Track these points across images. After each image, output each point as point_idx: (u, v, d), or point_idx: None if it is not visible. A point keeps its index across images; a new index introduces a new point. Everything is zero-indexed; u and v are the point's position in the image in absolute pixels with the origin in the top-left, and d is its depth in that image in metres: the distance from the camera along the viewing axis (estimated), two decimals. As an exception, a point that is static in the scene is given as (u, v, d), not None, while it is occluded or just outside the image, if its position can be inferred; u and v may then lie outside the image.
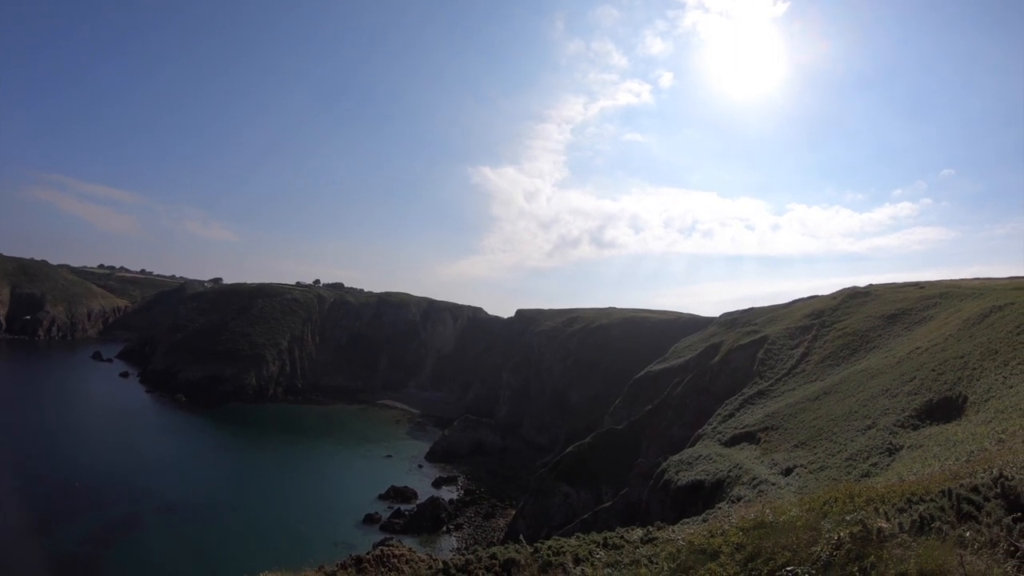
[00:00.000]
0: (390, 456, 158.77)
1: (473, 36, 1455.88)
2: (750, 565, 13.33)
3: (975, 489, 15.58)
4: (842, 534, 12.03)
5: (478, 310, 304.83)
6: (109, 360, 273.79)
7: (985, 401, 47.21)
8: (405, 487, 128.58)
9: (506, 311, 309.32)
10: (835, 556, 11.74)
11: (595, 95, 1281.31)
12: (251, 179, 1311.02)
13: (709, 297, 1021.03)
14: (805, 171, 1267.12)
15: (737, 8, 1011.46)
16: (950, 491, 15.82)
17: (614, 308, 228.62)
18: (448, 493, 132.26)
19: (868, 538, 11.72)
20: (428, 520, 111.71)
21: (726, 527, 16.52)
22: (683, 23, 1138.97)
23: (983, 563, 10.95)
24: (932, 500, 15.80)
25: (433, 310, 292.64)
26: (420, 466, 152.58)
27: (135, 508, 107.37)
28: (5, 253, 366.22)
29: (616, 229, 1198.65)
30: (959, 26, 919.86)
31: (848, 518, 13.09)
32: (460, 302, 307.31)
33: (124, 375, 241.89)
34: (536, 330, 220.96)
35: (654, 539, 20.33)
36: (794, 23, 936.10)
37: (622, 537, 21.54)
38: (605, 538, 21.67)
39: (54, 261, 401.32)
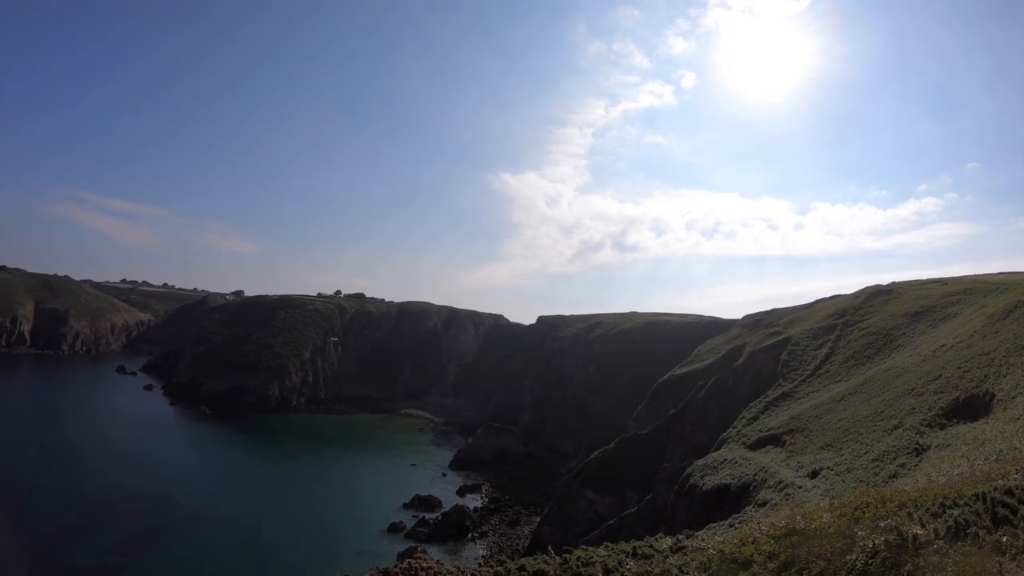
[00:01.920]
0: (414, 465, 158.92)
1: (493, 40, 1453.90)
2: (783, 574, 13.20)
3: (1009, 492, 15.36)
4: (877, 541, 11.88)
5: (499, 317, 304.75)
6: (133, 373, 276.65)
7: (1012, 398, 46.65)
8: (429, 496, 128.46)
9: (528, 318, 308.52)
10: (871, 565, 11.59)
11: (617, 97, 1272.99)
12: (269, 189, 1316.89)
13: (732, 299, 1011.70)
14: (828, 168, 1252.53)
15: (759, 4, 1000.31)
16: (983, 494, 15.59)
17: (636, 312, 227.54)
18: (472, 501, 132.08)
19: (904, 545, 11.57)
20: (453, 528, 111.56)
21: (757, 535, 16.37)
22: (705, 21, 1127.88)
23: (1022, 570, 10.79)
24: (966, 504, 15.58)
25: (454, 318, 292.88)
26: (444, 474, 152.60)
27: (160, 519, 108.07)
28: (28, 269, 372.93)
29: (638, 233, 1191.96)
30: (983, 17, 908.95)
31: (882, 524, 12.94)
32: (482, 309, 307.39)
33: (148, 388, 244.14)
34: (558, 336, 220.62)
35: (684, 548, 20.19)
36: (816, 17, 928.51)
37: (651, 546, 21.41)
38: (634, 547, 21.55)
39: (77, 277, 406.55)
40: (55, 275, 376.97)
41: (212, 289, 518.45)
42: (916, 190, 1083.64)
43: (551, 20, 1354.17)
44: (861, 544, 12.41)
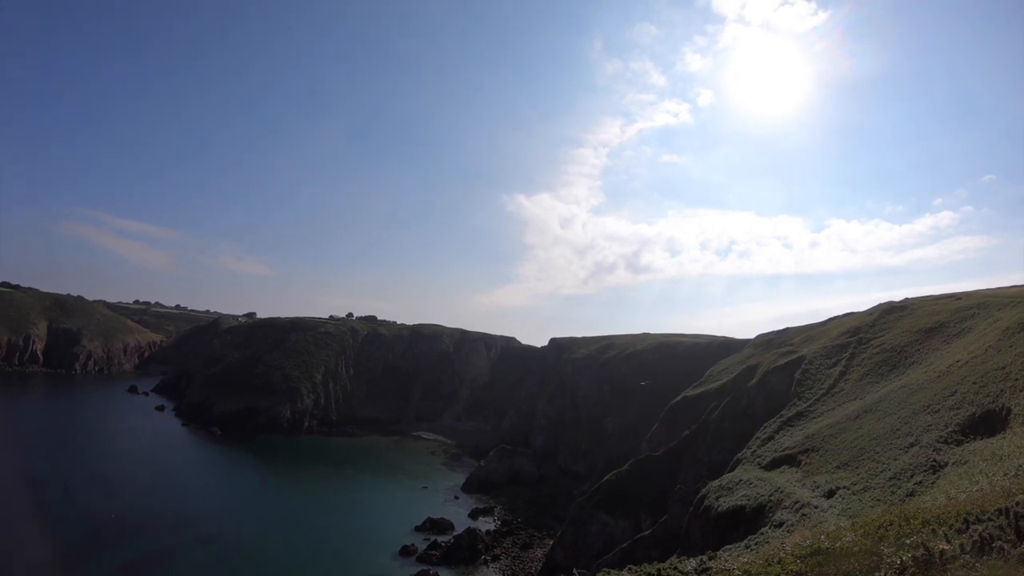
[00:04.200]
0: (426, 487, 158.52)
1: (507, 58, 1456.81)
2: (811, 592, 13.26)
3: (1032, 506, 15.41)
4: (904, 558, 11.98)
5: (511, 339, 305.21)
6: (145, 394, 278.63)
7: (1029, 412, 46.43)
8: (441, 518, 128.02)
9: (542, 340, 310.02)
10: (899, 580, 11.67)
11: (632, 116, 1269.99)
12: (283, 211, 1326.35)
13: (747, 318, 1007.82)
14: (844, 184, 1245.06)
15: (777, 19, 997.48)
16: (1007, 509, 15.66)
17: (648, 333, 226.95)
18: (485, 524, 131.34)
19: (931, 561, 11.66)
20: (465, 551, 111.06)
21: (782, 555, 16.40)
22: (722, 38, 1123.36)
23: (1049, 582, 10.87)
24: (990, 519, 15.64)
25: (466, 340, 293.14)
26: (456, 497, 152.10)
27: (171, 539, 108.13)
28: (42, 288, 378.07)
29: (652, 253, 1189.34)
30: (996, 28, 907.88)
31: (908, 541, 13.00)
32: (495, 332, 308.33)
33: (160, 408, 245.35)
34: (570, 358, 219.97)
35: (708, 569, 20.14)
36: (833, 32, 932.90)
37: (676, 568, 21.35)
38: (659, 569, 21.48)
39: (90, 297, 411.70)
40: (68, 295, 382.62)
41: (224, 311, 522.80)
42: (932, 204, 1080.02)
43: (567, 38, 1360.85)
44: (888, 561, 12.49)
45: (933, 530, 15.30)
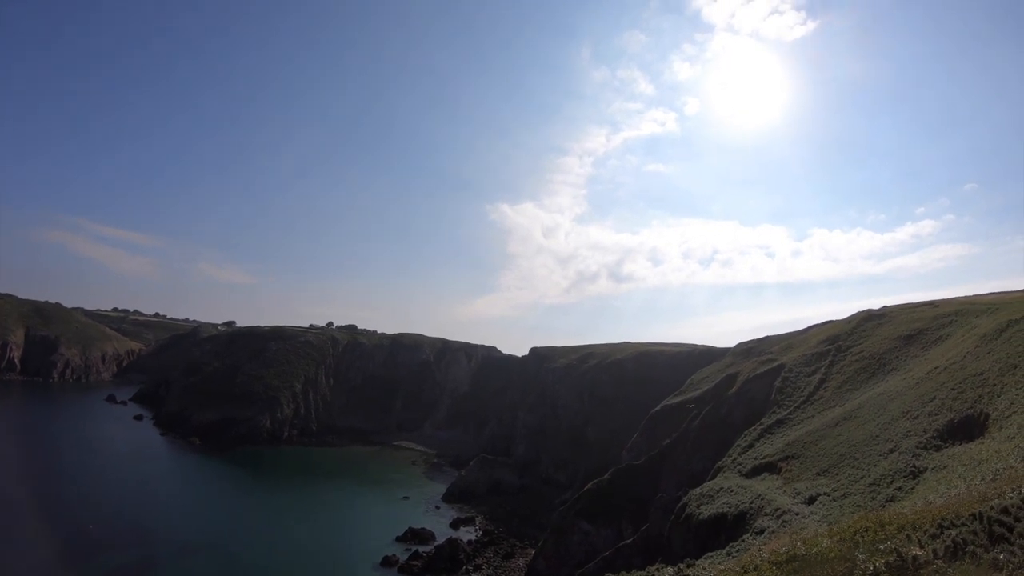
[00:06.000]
0: (407, 498, 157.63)
1: (494, 66, 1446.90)
2: (785, 598, 13.23)
3: (1005, 510, 15.50)
4: (877, 564, 11.96)
5: (492, 349, 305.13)
6: (123, 403, 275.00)
7: (1007, 417, 46.99)
8: (422, 528, 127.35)
9: (523, 349, 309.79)
10: (872, 586, 11.66)
11: (619, 125, 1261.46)
12: (264, 219, 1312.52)
13: (729, 327, 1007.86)
14: (827, 194, 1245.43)
15: (766, 28, 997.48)
16: (980, 514, 15.72)
17: (628, 342, 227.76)
18: (466, 534, 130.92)
19: (904, 567, 11.66)
20: (446, 561, 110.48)
21: (758, 562, 16.35)
22: (711, 46, 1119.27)
23: (1020, 586, 10.90)
24: (963, 524, 15.69)
25: (447, 350, 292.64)
26: (437, 507, 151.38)
27: (149, 551, 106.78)
28: (20, 295, 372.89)
29: (634, 263, 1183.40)
30: (977, 39, 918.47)
31: (882, 547, 13.00)
32: (477, 342, 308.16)
33: (138, 418, 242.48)
34: (551, 367, 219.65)
35: None
36: (820, 42, 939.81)
37: None
38: None
39: (68, 304, 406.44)
40: (46, 302, 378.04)
41: (204, 319, 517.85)
42: (914, 213, 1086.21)
43: (555, 45, 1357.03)
44: (862, 567, 12.48)
45: (908, 535, 15.32)
